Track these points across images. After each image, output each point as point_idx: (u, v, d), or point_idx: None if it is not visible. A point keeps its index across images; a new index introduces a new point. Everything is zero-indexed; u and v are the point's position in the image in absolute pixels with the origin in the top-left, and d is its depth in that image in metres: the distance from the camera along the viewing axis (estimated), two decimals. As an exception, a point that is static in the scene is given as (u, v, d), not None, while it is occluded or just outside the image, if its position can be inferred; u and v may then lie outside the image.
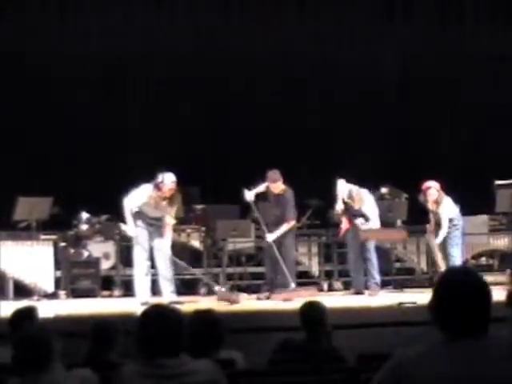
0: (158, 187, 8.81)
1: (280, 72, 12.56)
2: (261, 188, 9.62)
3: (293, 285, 9.38)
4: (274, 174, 9.45)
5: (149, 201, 8.88)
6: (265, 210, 9.71)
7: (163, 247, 9.03)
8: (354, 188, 9.73)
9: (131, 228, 8.97)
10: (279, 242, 9.45)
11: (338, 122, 12.68)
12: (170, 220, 9.01)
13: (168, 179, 8.80)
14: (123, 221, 9.12)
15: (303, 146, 12.57)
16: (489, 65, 12.89)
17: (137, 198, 8.90)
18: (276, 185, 9.46)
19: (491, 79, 12.82)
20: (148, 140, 12.12)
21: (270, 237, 9.46)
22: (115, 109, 12.13)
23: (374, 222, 9.77)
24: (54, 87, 12.05)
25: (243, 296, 9.34)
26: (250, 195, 9.53)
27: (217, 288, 9.45)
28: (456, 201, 9.90)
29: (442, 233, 9.74)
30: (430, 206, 9.86)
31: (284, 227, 9.47)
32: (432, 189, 9.76)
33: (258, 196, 9.69)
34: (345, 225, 9.90)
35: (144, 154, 11.87)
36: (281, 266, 9.39)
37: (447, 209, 9.78)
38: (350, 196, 9.69)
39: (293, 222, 9.62)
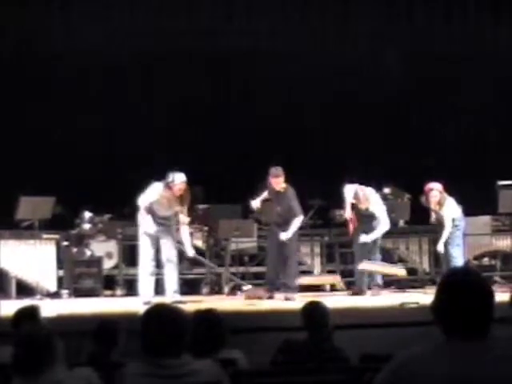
0: (168, 187, 8.85)
1: (281, 71, 12.54)
2: (264, 195, 9.65)
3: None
4: (277, 169, 9.48)
5: (160, 199, 8.92)
6: (268, 209, 9.72)
7: (171, 243, 9.04)
8: (359, 188, 9.72)
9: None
10: (283, 241, 9.45)
11: (338, 122, 12.67)
12: (184, 219, 9.04)
13: (178, 179, 8.85)
14: (137, 223, 9.10)
15: (304, 146, 12.57)
16: (490, 64, 12.86)
17: (149, 196, 8.94)
18: (278, 180, 9.45)
19: (492, 79, 12.80)
20: (150, 139, 12.12)
21: (284, 235, 9.41)
22: (116, 108, 12.12)
23: (384, 221, 9.73)
24: (55, 86, 12.05)
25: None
26: (255, 204, 9.59)
27: (245, 287, 9.47)
28: (458, 201, 9.89)
29: (445, 234, 9.73)
30: (433, 207, 9.85)
31: (296, 223, 9.44)
32: (434, 191, 9.75)
33: (263, 201, 9.72)
34: (353, 224, 9.89)
35: (146, 153, 11.87)
36: (284, 266, 9.41)
37: (450, 210, 9.77)
38: (356, 197, 9.68)
39: (302, 217, 9.60)
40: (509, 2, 13.06)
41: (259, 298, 9.26)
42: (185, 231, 9.14)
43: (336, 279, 9.93)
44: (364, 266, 9.71)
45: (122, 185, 9.32)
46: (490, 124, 12.88)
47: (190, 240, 9.31)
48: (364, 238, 9.64)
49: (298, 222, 9.47)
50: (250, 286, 9.56)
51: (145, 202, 8.93)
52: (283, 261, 9.49)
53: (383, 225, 9.69)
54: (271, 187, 9.55)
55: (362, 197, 9.64)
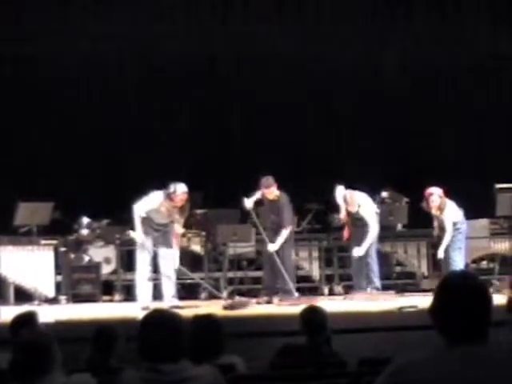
0: (169, 197, 8.87)
1: (279, 72, 12.54)
2: (257, 195, 9.67)
3: (296, 294, 9.41)
4: (267, 180, 9.50)
5: (159, 208, 8.94)
6: (261, 215, 9.76)
7: (168, 253, 9.07)
8: (348, 192, 9.77)
9: (139, 235, 9.01)
10: (277, 251, 9.46)
11: (338, 123, 12.66)
12: (178, 229, 9.09)
13: (180, 190, 8.86)
14: (132, 228, 9.14)
15: (303, 148, 12.56)
16: (489, 65, 12.86)
17: (147, 205, 8.96)
18: (270, 190, 9.50)
19: (491, 80, 12.79)
20: (149, 144, 12.12)
21: (272, 247, 9.46)
22: (115, 111, 12.12)
23: (372, 227, 9.76)
24: (55, 89, 12.04)
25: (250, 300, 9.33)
26: (249, 203, 9.59)
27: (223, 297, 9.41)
28: (457, 205, 9.88)
29: (446, 239, 9.72)
30: (434, 212, 9.85)
31: (284, 234, 9.48)
32: (434, 195, 9.74)
33: (256, 203, 9.74)
34: (348, 229, 9.92)
35: (145, 158, 11.87)
36: (281, 272, 9.41)
37: (451, 214, 9.77)
38: (345, 200, 9.76)
39: (290, 228, 9.63)
40: (508, 3, 13.05)
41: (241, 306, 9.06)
42: (176, 240, 9.14)
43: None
44: (355, 296, 9.65)
45: (120, 190, 9.32)
46: (490, 125, 12.87)
47: (178, 254, 9.27)
48: (357, 252, 9.67)
49: (285, 233, 9.50)
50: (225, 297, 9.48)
51: (141, 210, 8.94)
52: (279, 266, 9.50)
53: (372, 231, 9.72)
54: (265, 196, 9.59)
55: (349, 199, 9.71)
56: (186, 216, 9.22)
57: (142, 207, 8.97)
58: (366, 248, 9.68)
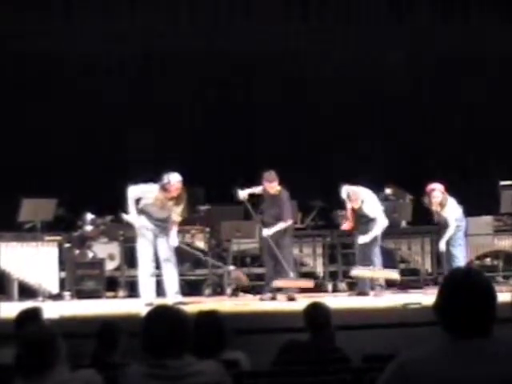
0: (164, 188, 8.84)
1: (281, 71, 12.54)
2: (257, 189, 9.69)
3: (291, 274, 9.43)
4: (270, 174, 9.53)
5: (155, 202, 8.92)
6: (262, 210, 9.77)
7: (169, 248, 9.05)
8: (351, 188, 9.78)
9: (133, 216, 8.97)
10: (277, 242, 9.49)
11: (339, 122, 12.67)
12: (175, 217, 9.04)
13: (174, 179, 8.85)
14: (125, 211, 9.09)
15: (304, 146, 12.56)
16: (490, 65, 12.85)
17: (142, 192, 8.93)
18: (272, 185, 9.53)
19: (492, 79, 12.78)
20: (151, 140, 12.13)
21: (266, 231, 9.49)
22: (117, 109, 12.13)
23: (380, 220, 9.74)
24: (55, 86, 12.05)
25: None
26: (243, 194, 9.60)
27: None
28: (460, 201, 9.91)
29: (448, 233, 9.76)
30: (435, 207, 9.88)
31: (281, 224, 9.50)
32: (436, 191, 9.79)
33: (254, 197, 9.74)
34: (350, 222, 9.91)
35: (147, 154, 11.88)
36: (280, 261, 9.42)
37: (452, 210, 9.81)
38: (348, 196, 9.76)
39: (290, 222, 9.67)
40: (508, 2, 13.03)
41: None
42: (173, 228, 9.11)
43: (309, 284, 9.86)
44: (356, 272, 9.71)
45: (124, 187, 9.30)
46: (492, 123, 12.85)
47: (176, 233, 9.24)
48: (362, 239, 9.67)
49: (283, 224, 9.52)
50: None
51: (134, 193, 8.91)
52: (279, 261, 9.51)
53: (380, 222, 9.71)
54: (266, 191, 9.61)
55: (353, 196, 9.72)
56: (184, 206, 9.13)
57: (136, 191, 8.94)
58: (372, 236, 9.66)
